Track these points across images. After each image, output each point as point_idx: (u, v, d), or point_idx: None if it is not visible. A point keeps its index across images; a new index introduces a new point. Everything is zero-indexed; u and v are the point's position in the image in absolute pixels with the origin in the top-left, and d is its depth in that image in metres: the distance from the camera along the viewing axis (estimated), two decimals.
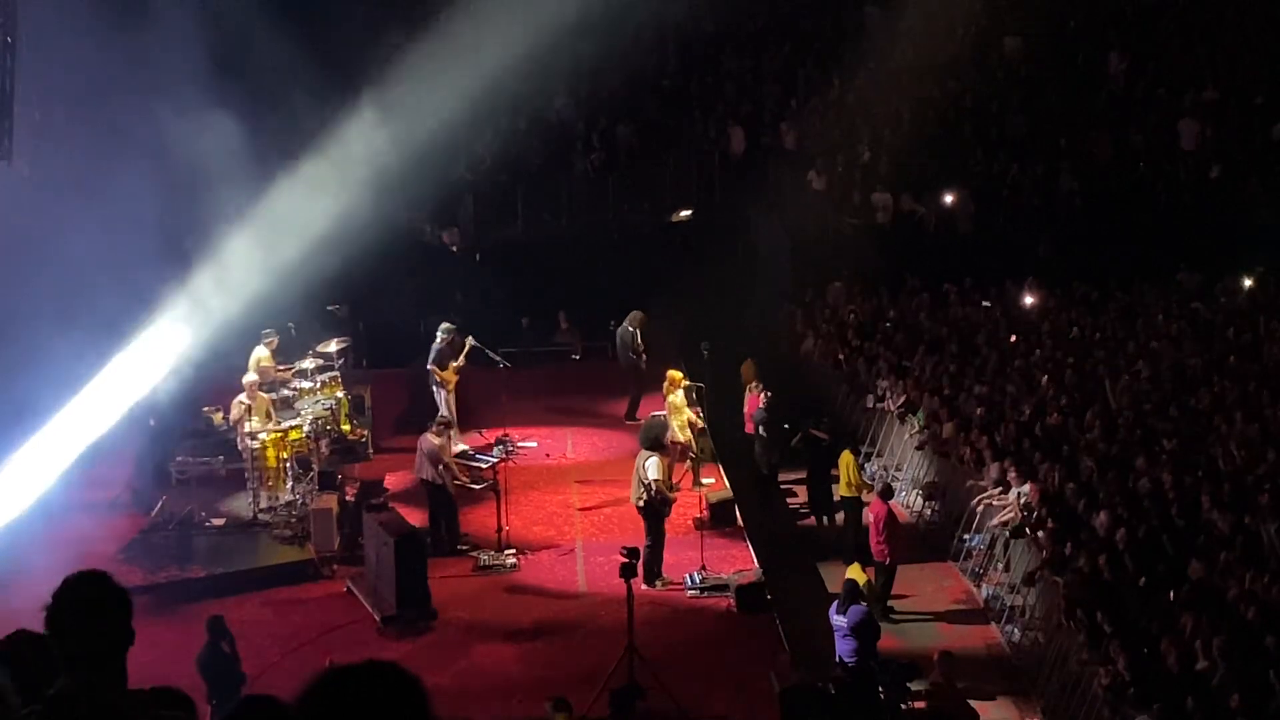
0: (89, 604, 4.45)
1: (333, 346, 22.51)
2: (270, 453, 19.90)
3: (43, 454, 20.59)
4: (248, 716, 4.44)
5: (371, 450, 23.02)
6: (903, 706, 14.50)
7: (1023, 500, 18.28)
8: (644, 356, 24.46)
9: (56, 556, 18.27)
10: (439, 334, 22.91)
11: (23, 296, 22.36)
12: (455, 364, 22.71)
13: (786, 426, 21.49)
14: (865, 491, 19.24)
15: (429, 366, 22.76)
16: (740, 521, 20.15)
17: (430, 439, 19.30)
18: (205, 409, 21.88)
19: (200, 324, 22.07)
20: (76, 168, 24.74)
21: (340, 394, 22.12)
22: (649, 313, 24.92)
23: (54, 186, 25.26)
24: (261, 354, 21.90)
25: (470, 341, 22.83)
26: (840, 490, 19.87)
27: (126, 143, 24.25)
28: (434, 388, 22.82)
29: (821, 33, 34.53)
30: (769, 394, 21.78)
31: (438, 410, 21.62)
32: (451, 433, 20.30)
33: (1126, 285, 27.90)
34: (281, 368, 22.11)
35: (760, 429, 21.82)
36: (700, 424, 21.88)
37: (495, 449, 20.13)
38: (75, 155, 24.95)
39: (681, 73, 33.67)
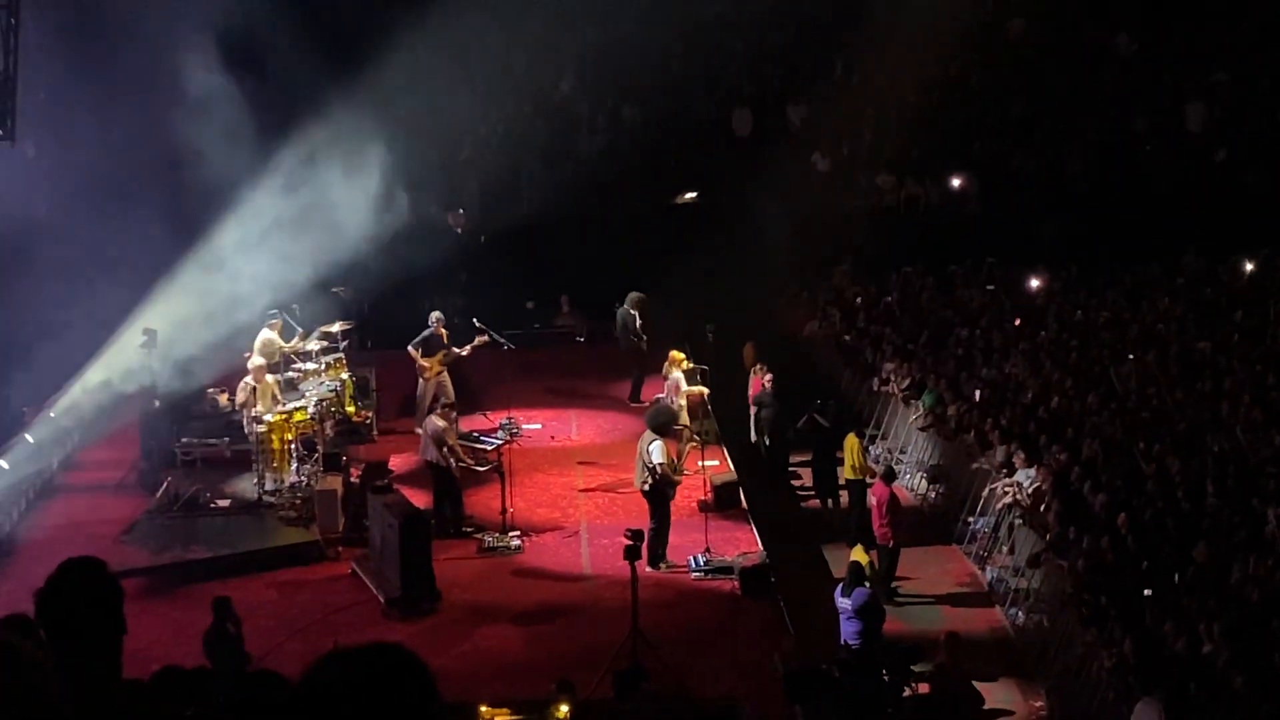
0: (79, 592, 4.44)
1: (336, 328, 22.48)
2: (275, 434, 19.88)
3: (46, 432, 20.68)
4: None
5: (376, 432, 23.01)
6: (906, 689, 14.51)
7: (1030, 484, 18.29)
8: (645, 338, 24.44)
9: (61, 537, 18.42)
10: (430, 320, 22.74)
11: (28, 276, 22.41)
12: (453, 353, 22.51)
13: (797, 427, 21.47)
14: (870, 474, 19.22)
15: (409, 349, 22.61)
16: (744, 504, 20.16)
17: (435, 421, 19.30)
18: (210, 391, 21.90)
19: (205, 305, 22.12)
20: (82, 150, 24.77)
21: (345, 376, 22.09)
22: (652, 294, 24.89)
23: (59, 168, 25.29)
24: (267, 336, 21.86)
25: (476, 324, 22.80)
26: (845, 473, 19.87)
27: (132, 126, 24.27)
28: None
29: (826, 14, 34.42)
30: (771, 376, 21.80)
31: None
32: (447, 420, 20.02)
33: (1131, 268, 27.85)
34: (288, 346, 22.03)
35: (760, 411, 21.84)
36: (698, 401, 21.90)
37: (499, 431, 20.12)
38: (81, 137, 24.98)
39: (686, 54, 33.58)
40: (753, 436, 22.36)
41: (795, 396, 21.94)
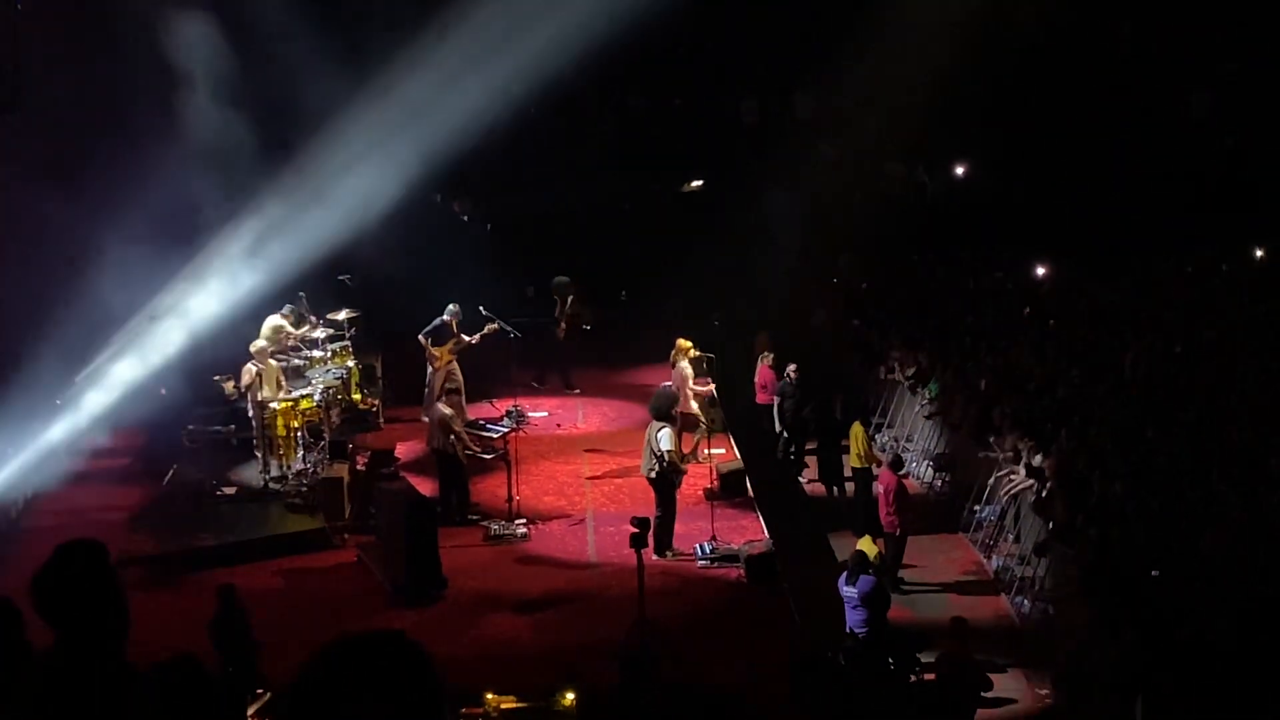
0: (72, 574, 4.43)
1: (342, 315, 22.47)
2: (281, 421, 19.91)
3: (54, 423, 20.68)
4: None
5: (382, 419, 23.03)
6: (912, 677, 14.50)
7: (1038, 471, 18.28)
8: (562, 326, 24.42)
9: (67, 524, 18.43)
10: (446, 311, 22.69)
11: (36, 262, 22.38)
12: (464, 340, 22.48)
13: (803, 414, 21.41)
14: (876, 463, 19.20)
15: (419, 338, 22.58)
16: (751, 492, 20.15)
17: (441, 409, 19.32)
18: (216, 378, 21.90)
19: (212, 292, 22.12)
20: (83, 128, 24.70)
21: (351, 363, 22.12)
22: (659, 283, 24.86)
23: (60, 148, 25.22)
24: (276, 323, 21.77)
25: (481, 311, 22.79)
26: (851, 462, 19.85)
27: (134, 105, 24.19)
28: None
29: (834, 2, 34.35)
30: (795, 367, 21.73)
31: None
32: (453, 408, 20.02)
33: (1140, 256, 27.82)
34: (296, 333, 21.96)
35: (783, 403, 21.77)
36: (709, 392, 21.85)
37: (506, 419, 20.12)
38: (82, 116, 24.92)
39: (694, 42, 33.54)
40: (776, 427, 22.28)
41: (802, 385, 21.90)
